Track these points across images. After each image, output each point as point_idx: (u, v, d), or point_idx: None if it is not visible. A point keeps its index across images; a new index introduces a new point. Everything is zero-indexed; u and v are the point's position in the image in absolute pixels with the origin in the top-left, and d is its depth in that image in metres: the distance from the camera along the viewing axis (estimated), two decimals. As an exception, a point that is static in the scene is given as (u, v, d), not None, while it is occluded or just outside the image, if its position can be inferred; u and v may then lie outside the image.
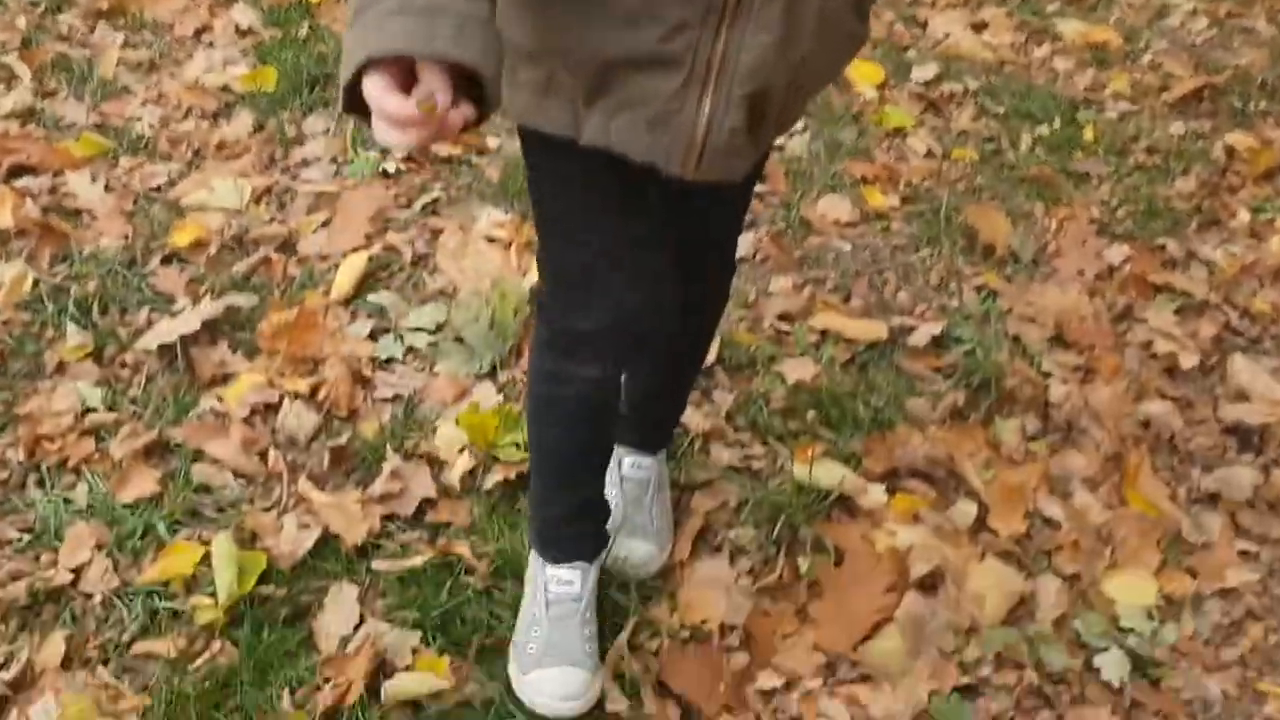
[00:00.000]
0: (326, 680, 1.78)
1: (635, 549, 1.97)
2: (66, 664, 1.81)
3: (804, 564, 2.04)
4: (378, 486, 2.09)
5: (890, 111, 3.28)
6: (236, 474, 2.12)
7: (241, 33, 3.50)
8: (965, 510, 2.18)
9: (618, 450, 1.98)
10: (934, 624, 1.97)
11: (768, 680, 1.86)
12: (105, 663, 1.82)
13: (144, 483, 2.07)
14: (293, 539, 1.98)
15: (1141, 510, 2.22)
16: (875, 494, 2.17)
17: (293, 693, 1.76)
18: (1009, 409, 2.42)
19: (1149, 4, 3.93)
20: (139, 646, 1.83)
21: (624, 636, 1.87)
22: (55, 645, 1.82)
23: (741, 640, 1.91)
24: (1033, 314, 2.65)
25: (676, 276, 1.58)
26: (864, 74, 3.39)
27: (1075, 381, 2.48)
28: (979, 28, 3.74)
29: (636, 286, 1.50)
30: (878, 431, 2.31)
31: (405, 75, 1.05)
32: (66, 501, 2.04)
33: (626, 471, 2.01)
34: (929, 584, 2.03)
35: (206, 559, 1.94)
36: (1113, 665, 1.94)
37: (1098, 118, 3.34)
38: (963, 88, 3.43)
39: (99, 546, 1.96)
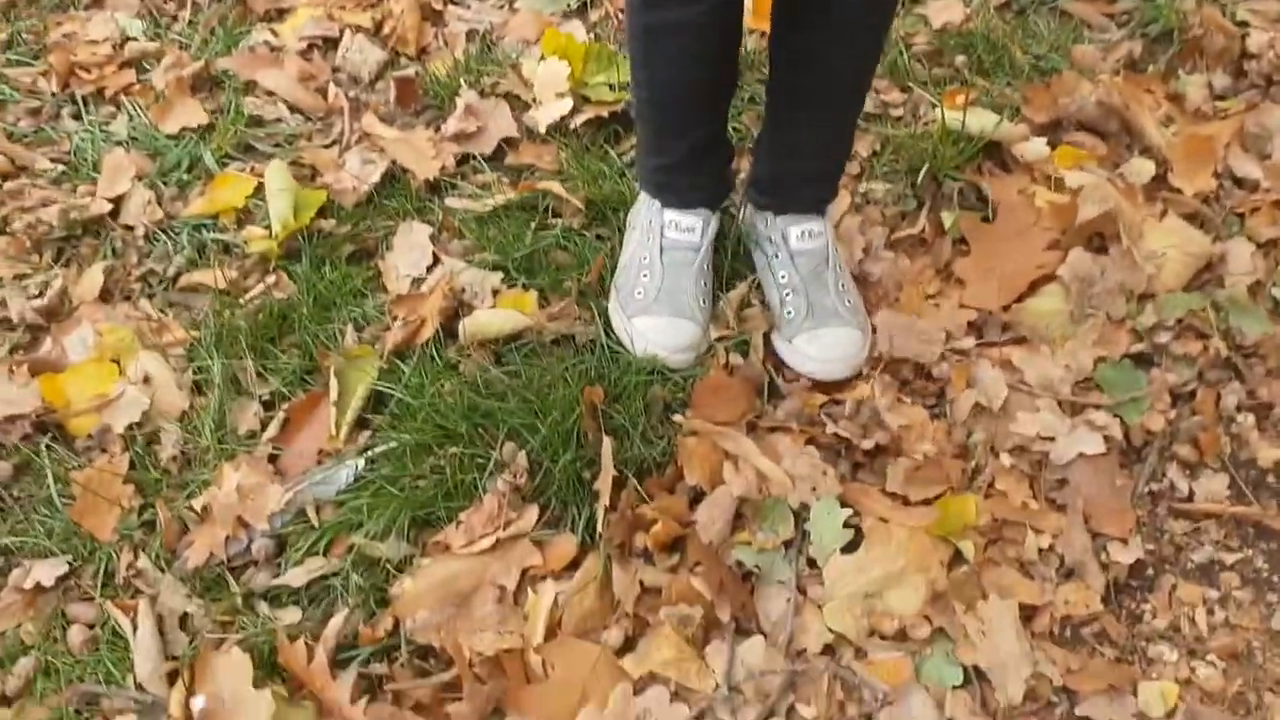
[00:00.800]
0: (395, 319, 1.54)
1: (837, 338, 1.55)
2: (106, 296, 1.60)
3: (948, 219, 1.73)
4: (451, 124, 1.80)
5: None
6: (293, 109, 1.86)
7: None
8: (1142, 167, 1.83)
9: (778, 222, 1.59)
10: (1103, 285, 1.66)
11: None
12: (150, 296, 1.61)
13: (190, 114, 1.81)
14: (357, 174, 1.72)
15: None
16: (1036, 145, 1.83)
17: (358, 329, 1.54)
18: (1194, 63, 2.03)
19: None
20: (185, 280, 1.61)
21: (740, 291, 1.60)
22: (94, 277, 1.61)
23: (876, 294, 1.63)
24: (1227, -41, 2.21)
25: None
26: None
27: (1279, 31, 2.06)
28: None
29: None
30: (1039, 79, 1.95)
31: None
32: (105, 132, 1.80)
33: (795, 245, 1.59)
34: (1098, 242, 1.71)
35: (260, 193, 1.69)
36: (1319, 333, 1.63)
37: None
38: None
39: (139, 177, 1.73)
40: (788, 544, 1.36)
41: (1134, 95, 1.93)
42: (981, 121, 1.83)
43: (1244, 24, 2.08)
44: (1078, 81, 1.94)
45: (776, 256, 1.59)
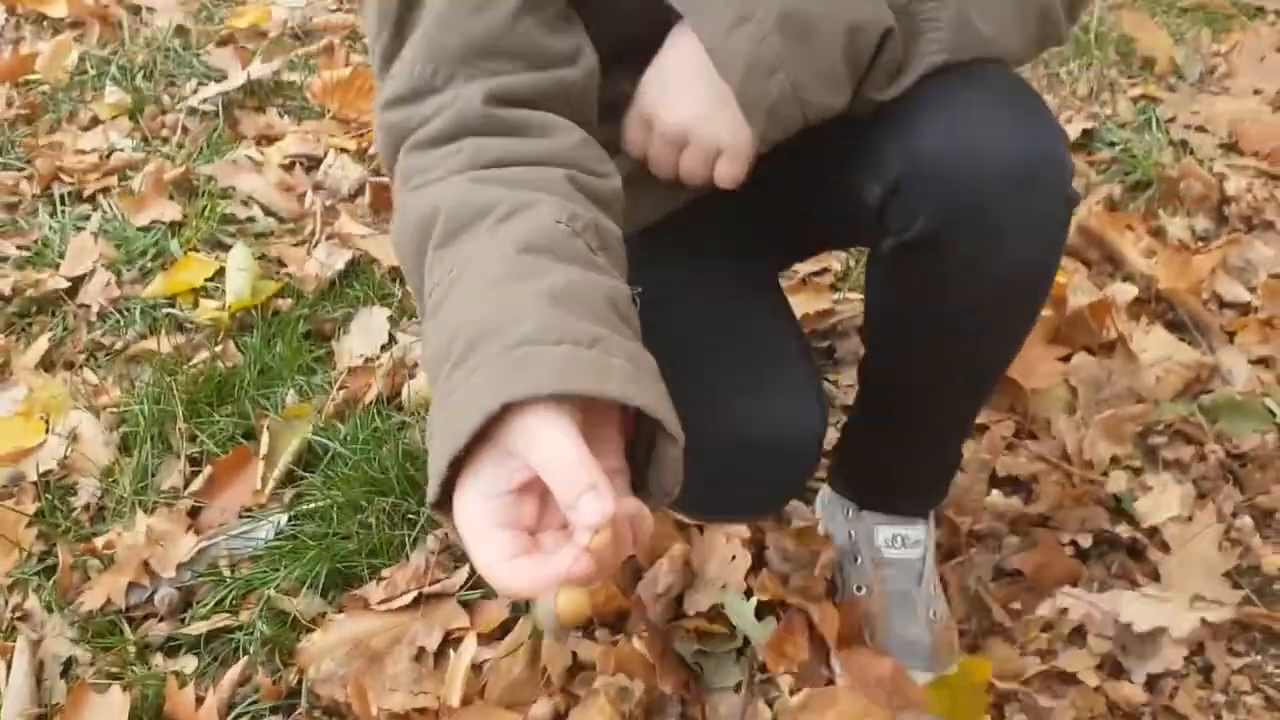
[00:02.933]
0: (342, 389, 1.48)
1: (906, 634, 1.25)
2: (48, 366, 1.55)
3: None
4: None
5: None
6: (268, 211, 1.86)
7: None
8: (1125, 290, 1.79)
9: (867, 519, 1.27)
10: (1111, 389, 1.60)
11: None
12: (95, 367, 1.55)
13: (163, 209, 1.81)
14: (323, 261, 1.70)
15: (1347, 302, 1.80)
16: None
17: (301, 396, 1.47)
18: (1175, 206, 2.03)
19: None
20: (134, 349, 1.56)
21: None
22: (38, 347, 1.56)
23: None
24: (1201, 122, 2.26)
25: None
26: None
27: (1259, 182, 2.07)
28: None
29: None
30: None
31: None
32: (77, 226, 1.80)
33: (886, 552, 1.26)
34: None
35: (220, 276, 1.67)
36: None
37: (1272, -34, 2.92)
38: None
39: (105, 262, 1.71)
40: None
41: (1115, 227, 1.91)
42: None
43: (1221, 175, 2.09)
44: (1057, 212, 1.93)
45: (855, 561, 1.27)
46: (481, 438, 0.63)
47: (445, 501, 0.65)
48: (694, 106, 0.87)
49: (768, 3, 0.83)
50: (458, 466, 0.64)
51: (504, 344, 0.65)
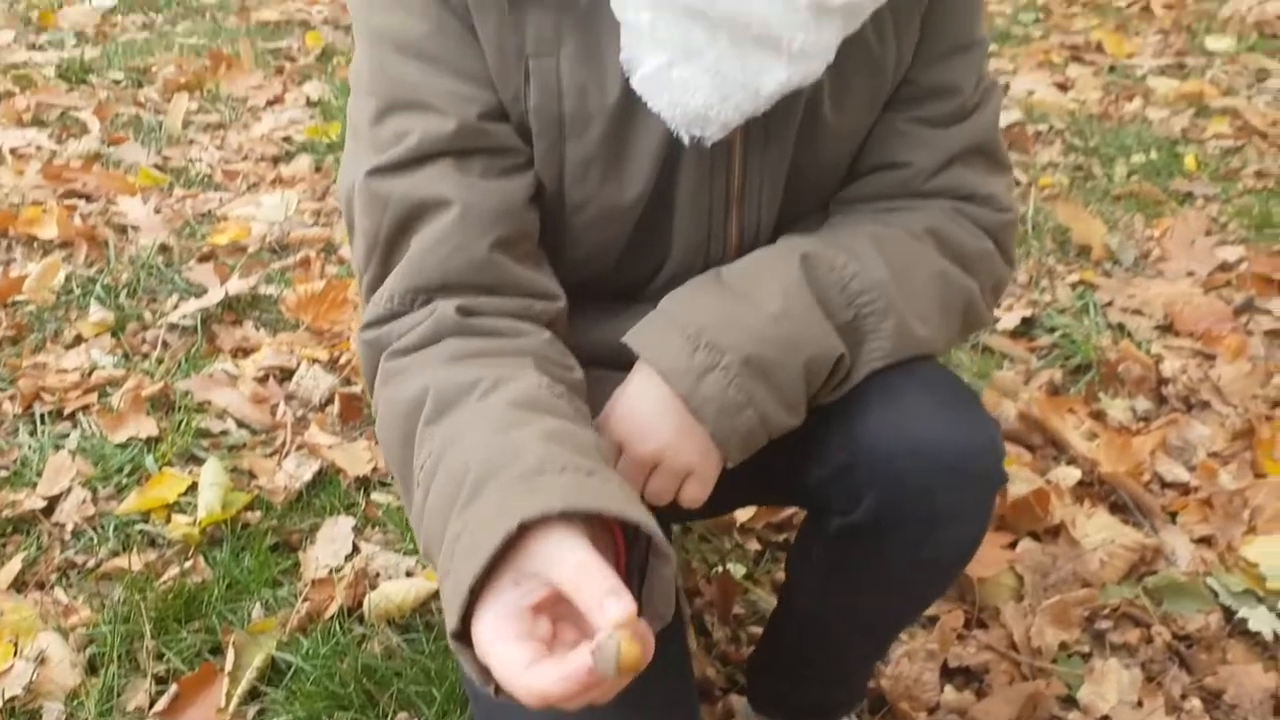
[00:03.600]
0: (306, 601, 1.52)
1: None
2: (20, 586, 1.59)
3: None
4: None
5: (971, 148, 3.10)
6: (241, 424, 1.93)
7: (312, 103, 3.52)
8: (1068, 473, 1.86)
9: None
10: (1057, 574, 1.64)
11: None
12: (67, 586, 1.59)
13: (140, 426, 1.88)
14: (290, 474, 1.76)
15: (1283, 479, 1.87)
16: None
17: (268, 610, 1.51)
18: (1115, 388, 2.12)
19: (1246, 69, 3.75)
20: (106, 567, 1.60)
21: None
22: (10, 569, 1.60)
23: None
24: (1138, 306, 2.37)
25: None
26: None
27: (1193, 362, 2.17)
28: (1064, 86, 3.59)
29: None
30: (962, 398, 2.02)
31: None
32: (56, 444, 1.86)
33: None
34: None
35: (193, 491, 1.72)
36: (1262, 620, 1.58)
37: (1199, 151, 3.11)
38: (1048, 127, 3.25)
39: (81, 479, 1.76)
40: None
41: (1056, 413, 1.99)
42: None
43: (1158, 356, 2.19)
44: (1000, 400, 2.02)
45: None
46: (497, 564, 0.70)
47: (462, 634, 0.72)
48: (666, 438, 0.94)
49: (729, 348, 0.92)
50: (476, 594, 0.70)
51: (511, 475, 0.74)
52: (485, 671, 0.71)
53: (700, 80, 0.90)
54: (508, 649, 0.68)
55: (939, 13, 1.03)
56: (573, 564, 0.68)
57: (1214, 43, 3.93)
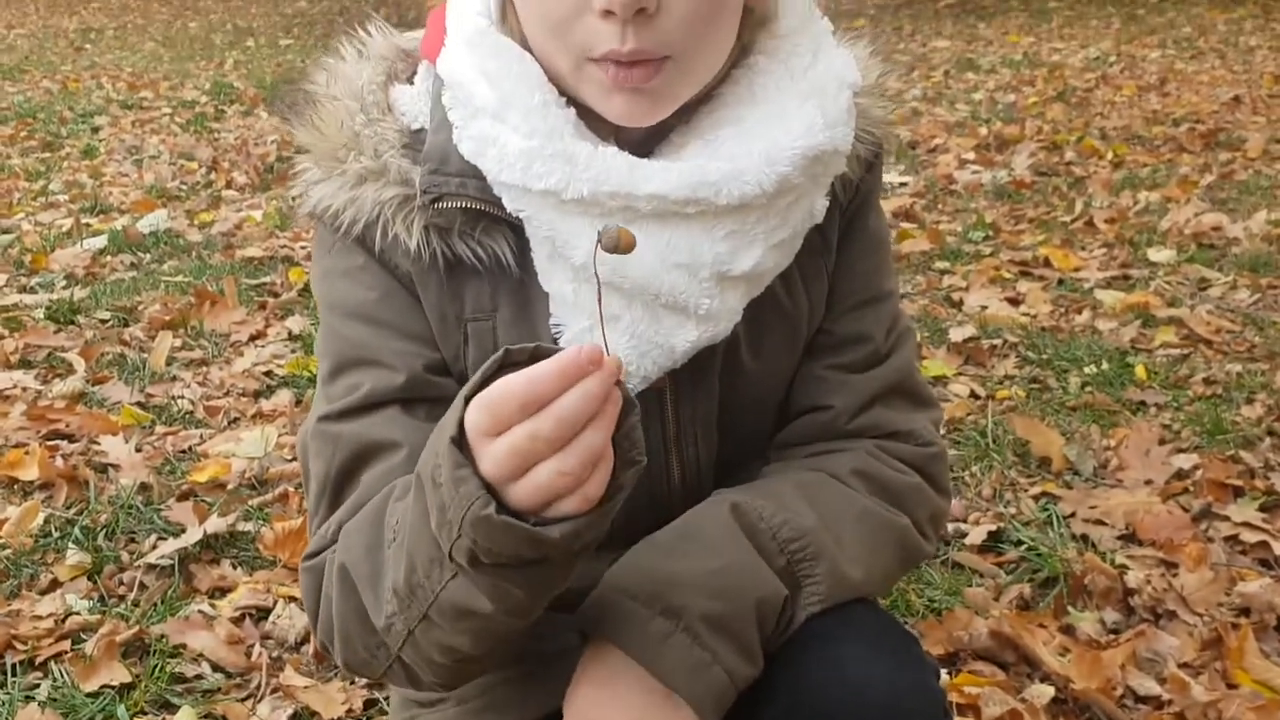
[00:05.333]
0: None
1: None
2: None
3: None
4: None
5: (928, 364, 3.22)
6: (216, 667, 1.92)
7: (294, 337, 3.63)
8: (1042, 690, 1.87)
9: None
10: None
11: None
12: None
13: (113, 673, 1.88)
14: (266, 717, 1.75)
15: (1255, 690, 1.88)
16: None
17: None
18: (1083, 602, 2.15)
19: (1188, 279, 3.93)
20: (69, 827, 1.58)
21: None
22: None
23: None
24: (1099, 516, 2.42)
25: None
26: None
27: (1156, 572, 2.21)
28: (1015, 301, 3.75)
29: None
30: (934, 617, 2.05)
31: None
32: (27, 699, 1.85)
33: None
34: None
35: (165, 740, 1.71)
36: (1246, 841, 1.57)
37: (1148, 361, 3.23)
38: (1002, 341, 3.38)
39: (50, 735, 1.75)
40: None
41: (1027, 629, 2.02)
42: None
43: (1123, 567, 2.23)
44: (971, 618, 2.04)
45: None
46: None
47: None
48: (630, 714, 0.96)
49: (685, 610, 0.96)
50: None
51: None
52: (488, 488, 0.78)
53: (620, 341, 0.99)
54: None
55: (846, 270, 1.14)
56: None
57: (1156, 254, 4.13)
